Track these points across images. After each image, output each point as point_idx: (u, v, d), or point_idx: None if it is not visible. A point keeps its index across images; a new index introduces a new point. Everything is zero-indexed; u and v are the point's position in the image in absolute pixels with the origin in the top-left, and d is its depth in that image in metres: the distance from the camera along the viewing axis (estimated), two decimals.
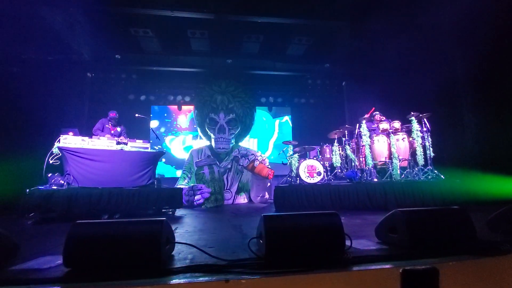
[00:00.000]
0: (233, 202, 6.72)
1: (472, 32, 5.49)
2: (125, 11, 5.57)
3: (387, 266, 1.42)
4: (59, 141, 4.19)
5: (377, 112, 5.71)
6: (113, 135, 5.22)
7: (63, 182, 4.05)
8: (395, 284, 1.36)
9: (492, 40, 5.10)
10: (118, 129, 5.50)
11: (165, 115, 8.62)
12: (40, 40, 6.01)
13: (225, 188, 6.72)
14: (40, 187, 3.98)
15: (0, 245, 1.64)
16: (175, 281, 1.27)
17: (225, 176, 6.86)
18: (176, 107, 8.56)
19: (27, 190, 3.77)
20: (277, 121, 9.03)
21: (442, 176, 4.67)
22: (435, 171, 4.76)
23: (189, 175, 6.98)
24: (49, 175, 4.13)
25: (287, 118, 9.05)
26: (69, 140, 4.23)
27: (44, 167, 4.16)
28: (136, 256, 1.44)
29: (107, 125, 5.42)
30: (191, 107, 8.22)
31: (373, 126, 5.54)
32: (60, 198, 3.78)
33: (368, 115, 5.75)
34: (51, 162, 4.21)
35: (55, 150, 4.19)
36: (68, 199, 3.79)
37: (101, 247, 1.43)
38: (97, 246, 1.43)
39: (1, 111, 5.92)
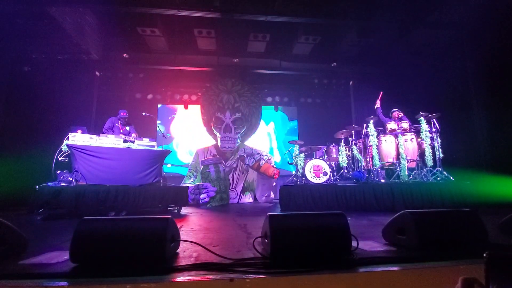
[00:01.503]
0: (238, 201, 6.73)
1: (484, 31, 5.37)
2: (133, 11, 5.61)
3: (395, 268, 1.40)
4: (67, 138, 4.26)
5: (396, 109, 5.62)
6: (123, 134, 5.26)
7: (71, 179, 4.11)
8: (403, 286, 1.33)
9: (504, 40, 4.98)
10: (127, 128, 5.55)
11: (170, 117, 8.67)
12: (50, 40, 6.12)
13: (231, 187, 6.73)
14: (49, 183, 4.04)
15: (10, 240, 1.68)
16: (179, 279, 1.26)
17: (230, 175, 6.87)
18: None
19: (37, 187, 3.84)
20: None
21: (451, 178, 4.58)
22: (444, 173, 4.67)
23: (195, 174, 7.01)
24: (58, 172, 4.20)
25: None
26: (77, 138, 4.29)
27: (53, 164, 4.23)
28: (141, 253, 1.44)
29: (116, 124, 5.48)
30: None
31: (388, 123, 5.43)
32: (68, 194, 3.84)
33: (379, 100, 5.69)
34: (60, 159, 4.27)
35: (63, 147, 4.25)
36: (76, 196, 3.85)
37: (107, 244, 1.44)
38: (103, 243, 1.44)
39: (12, 109, 6.05)
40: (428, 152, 4.80)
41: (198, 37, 6.63)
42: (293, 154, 5.80)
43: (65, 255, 1.56)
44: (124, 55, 7.19)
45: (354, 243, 1.65)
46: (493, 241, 1.81)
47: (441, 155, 4.81)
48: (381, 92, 5.81)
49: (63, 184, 4.03)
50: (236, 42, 6.87)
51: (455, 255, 1.52)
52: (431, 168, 4.77)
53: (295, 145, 5.86)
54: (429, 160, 4.77)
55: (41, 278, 1.31)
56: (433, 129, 4.92)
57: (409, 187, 4.32)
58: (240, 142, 7.47)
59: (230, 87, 7.41)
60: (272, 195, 6.73)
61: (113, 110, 5.96)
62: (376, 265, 1.43)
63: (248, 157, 6.82)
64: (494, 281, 0.54)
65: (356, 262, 1.46)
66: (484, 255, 0.56)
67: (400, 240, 1.80)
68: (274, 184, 6.79)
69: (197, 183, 6.16)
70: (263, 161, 6.58)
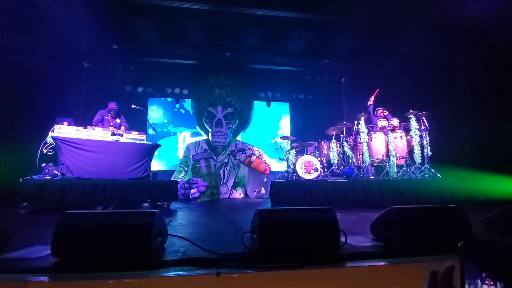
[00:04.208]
0: (229, 196, 6.71)
1: (473, 31, 5.45)
2: (124, 1, 5.46)
3: (382, 263, 1.41)
4: (53, 130, 4.14)
5: (380, 108, 5.68)
6: (113, 127, 5.14)
7: (57, 172, 4.01)
8: (390, 281, 1.34)
9: (492, 41, 5.07)
10: (118, 120, 5.41)
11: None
12: (37, 29, 5.91)
13: (222, 182, 6.70)
14: (33, 176, 3.93)
15: None
16: (165, 274, 1.24)
17: (221, 170, 6.84)
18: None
19: (20, 180, 3.73)
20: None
21: (439, 175, 4.67)
22: (432, 170, 4.76)
23: (185, 169, 6.95)
24: (43, 165, 4.08)
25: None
26: (63, 130, 4.17)
27: (38, 156, 4.10)
28: (127, 248, 1.41)
29: (106, 117, 5.33)
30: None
31: (378, 120, 5.49)
32: (53, 188, 3.74)
33: (373, 97, 5.73)
34: (45, 151, 4.15)
35: (49, 139, 4.12)
36: (62, 190, 3.75)
37: (91, 238, 1.40)
38: (86, 237, 1.40)
39: None
40: (417, 149, 4.88)
41: (190, 30, 6.51)
42: (285, 150, 5.80)
43: (48, 250, 1.51)
44: (114, 46, 7.00)
45: (342, 238, 1.65)
46: (478, 237, 1.84)
47: (429, 153, 4.89)
48: (377, 90, 5.84)
49: (48, 177, 3.93)
50: (229, 36, 6.78)
51: (440, 250, 1.54)
52: (419, 165, 4.85)
53: (287, 140, 5.86)
54: (417, 158, 4.85)
55: (21, 273, 1.27)
56: (422, 127, 4.99)
57: (397, 183, 4.38)
58: (231, 137, 7.44)
59: (222, 82, 7.34)
60: (263, 191, 6.74)
61: (101, 102, 5.82)
62: (364, 260, 1.44)
63: (240, 152, 6.80)
64: (468, 268, 0.57)
65: (344, 257, 1.47)
66: (459, 244, 0.59)
67: (388, 235, 1.81)
68: (265, 179, 6.79)
69: (188, 178, 6.11)
70: (255, 157, 6.57)
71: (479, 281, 0.54)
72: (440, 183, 4.41)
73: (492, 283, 0.53)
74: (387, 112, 5.59)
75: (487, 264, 0.55)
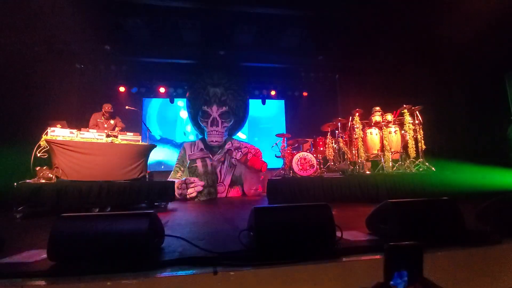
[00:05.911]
0: (226, 195, 6.72)
1: (466, 29, 5.50)
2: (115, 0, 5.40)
3: (377, 257, 1.43)
4: (46, 133, 4.09)
5: (378, 108, 5.69)
6: (108, 129, 5.07)
7: (51, 175, 3.97)
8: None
9: (483, 37, 5.12)
10: (112, 121, 5.34)
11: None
12: (26, 29, 5.81)
13: (218, 181, 6.70)
14: (28, 180, 3.89)
15: None
16: (162, 274, 1.25)
17: (218, 169, 6.83)
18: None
19: (15, 184, 3.69)
20: None
21: (433, 169, 4.73)
22: (426, 164, 4.82)
23: (182, 168, 6.93)
24: (37, 168, 4.04)
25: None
26: (57, 133, 4.12)
27: (31, 160, 4.06)
28: (123, 250, 1.41)
29: (99, 120, 5.26)
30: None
31: (372, 116, 5.51)
32: (49, 191, 3.70)
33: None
34: (38, 155, 4.10)
35: (42, 143, 4.07)
36: (57, 193, 3.72)
37: (87, 241, 1.40)
38: (82, 240, 1.40)
39: None
40: (411, 144, 4.93)
41: (183, 29, 6.46)
42: (280, 147, 5.82)
43: (44, 254, 1.50)
44: (106, 46, 6.92)
45: (338, 233, 1.68)
46: (470, 229, 1.87)
47: (423, 147, 4.95)
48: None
49: (43, 180, 3.89)
50: (222, 34, 6.74)
51: (433, 242, 1.57)
52: (413, 159, 4.90)
53: (282, 138, 5.88)
54: (412, 152, 4.91)
55: (17, 277, 1.26)
56: (416, 121, 5.04)
57: (392, 178, 4.43)
58: (227, 136, 7.43)
59: (216, 80, 7.32)
60: (260, 189, 6.75)
61: (95, 104, 5.77)
62: (359, 254, 1.46)
63: (236, 150, 6.80)
64: (392, 269, 0.58)
65: (340, 252, 1.49)
66: (384, 246, 0.60)
67: (383, 229, 1.84)
68: (262, 177, 6.81)
69: (184, 178, 6.10)
70: (251, 155, 6.58)
71: (405, 283, 0.54)
72: (434, 176, 4.48)
73: (416, 283, 0.54)
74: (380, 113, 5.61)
75: (409, 264, 0.55)
